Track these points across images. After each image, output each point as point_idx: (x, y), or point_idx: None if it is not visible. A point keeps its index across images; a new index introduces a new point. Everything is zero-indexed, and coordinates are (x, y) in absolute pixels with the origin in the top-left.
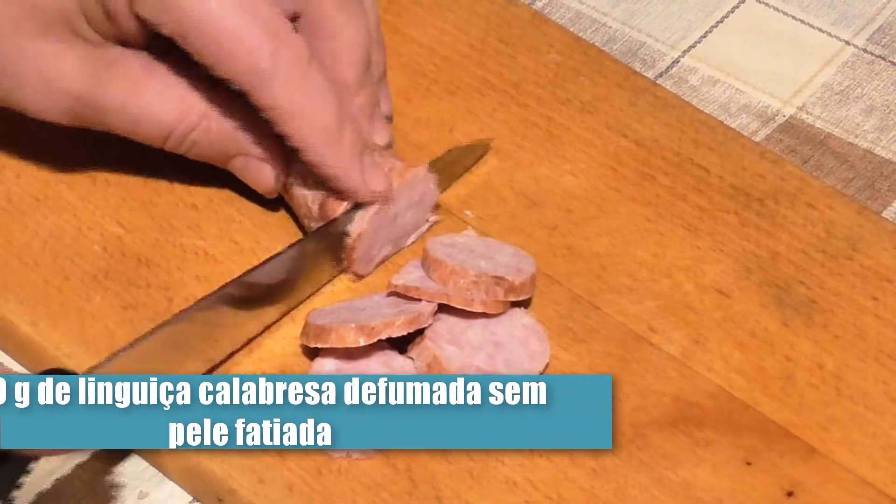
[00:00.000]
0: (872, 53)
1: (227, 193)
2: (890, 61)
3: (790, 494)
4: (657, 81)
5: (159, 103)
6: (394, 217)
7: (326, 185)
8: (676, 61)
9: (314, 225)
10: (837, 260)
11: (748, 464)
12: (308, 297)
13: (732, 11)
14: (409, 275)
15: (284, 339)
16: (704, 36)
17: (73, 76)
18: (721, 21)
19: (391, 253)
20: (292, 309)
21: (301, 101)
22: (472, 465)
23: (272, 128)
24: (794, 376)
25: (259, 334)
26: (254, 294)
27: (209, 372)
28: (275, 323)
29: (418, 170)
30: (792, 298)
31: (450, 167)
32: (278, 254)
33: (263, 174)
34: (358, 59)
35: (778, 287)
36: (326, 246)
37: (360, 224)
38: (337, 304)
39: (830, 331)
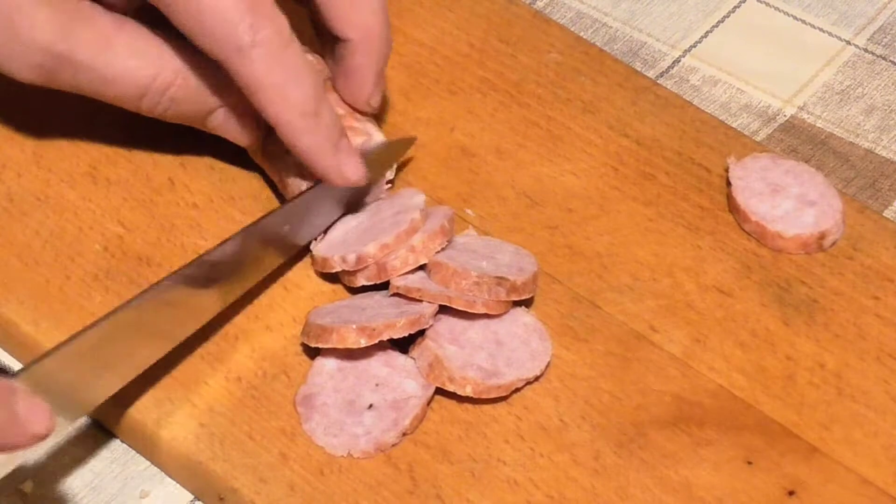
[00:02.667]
0: (873, 53)
1: (227, 193)
2: (891, 61)
3: (791, 494)
4: (658, 81)
5: (132, 59)
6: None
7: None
8: (677, 61)
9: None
10: (838, 259)
11: (749, 463)
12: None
13: (733, 11)
14: (411, 275)
15: (286, 339)
16: (705, 36)
17: (44, 28)
18: (722, 21)
19: None
20: (252, 284)
21: (278, 78)
22: (474, 464)
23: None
24: (795, 375)
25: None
26: (213, 273)
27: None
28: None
29: (405, 190)
30: (793, 298)
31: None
32: (243, 229)
33: (245, 126)
34: None
35: (779, 286)
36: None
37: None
38: (338, 302)
39: (831, 330)
